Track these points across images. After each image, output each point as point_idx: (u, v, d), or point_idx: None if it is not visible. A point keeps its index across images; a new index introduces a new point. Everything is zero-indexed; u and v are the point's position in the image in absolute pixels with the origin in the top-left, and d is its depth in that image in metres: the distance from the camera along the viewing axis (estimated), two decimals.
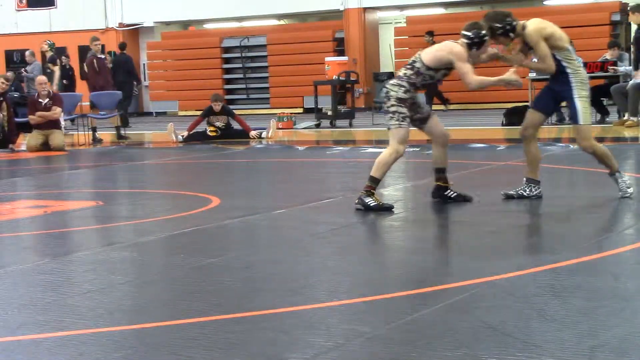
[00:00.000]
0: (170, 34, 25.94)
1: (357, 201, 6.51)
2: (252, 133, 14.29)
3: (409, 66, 6.53)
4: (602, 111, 14.99)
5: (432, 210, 6.65)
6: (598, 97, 15.00)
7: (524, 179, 6.80)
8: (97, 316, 3.84)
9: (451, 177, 6.85)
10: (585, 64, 14.68)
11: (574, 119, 6.92)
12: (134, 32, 26.56)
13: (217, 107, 14.34)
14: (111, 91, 16.37)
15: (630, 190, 6.64)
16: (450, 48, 6.48)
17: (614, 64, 14.50)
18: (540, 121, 7.04)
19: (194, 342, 3.40)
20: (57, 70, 17.74)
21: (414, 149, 11.49)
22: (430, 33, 21.01)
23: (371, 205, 6.41)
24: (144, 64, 26.71)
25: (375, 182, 6.50)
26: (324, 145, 13.70)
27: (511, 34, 6.53)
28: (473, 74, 6.44)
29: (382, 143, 13.34)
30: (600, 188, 7.60)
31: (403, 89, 6.47)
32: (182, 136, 14.48)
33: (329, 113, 17.41)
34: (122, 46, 21.60)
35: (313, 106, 18.08)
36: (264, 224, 6.36)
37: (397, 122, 6.53)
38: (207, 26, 26.08)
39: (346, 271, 4.65)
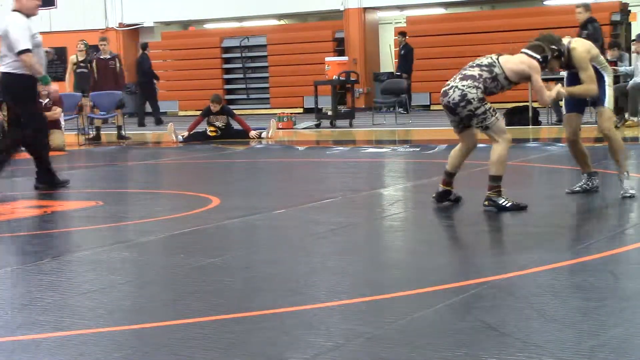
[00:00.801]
0: (170, 34, 25.94)
1: (486, 203, 6.26)
2: (252, 133, 14.29)
3: (485, 68, 6.30)
4: None
5: (432, 210, 6.65)
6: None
7: (585, 175, 7.08)
8: (97, 316, 3.84)
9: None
10: None
11: (601, 101, 7.03)
12: (134, 32, 26.56)
13: (215, 108, 14.33)
14: (111, 91, 16.38)
15: (632, 191, 6.65)
16: (530, 62, 6.41)
17: (614, 64, 14.49)
18: (579, 122, 7.26)
19: (194, 342, 3.40)
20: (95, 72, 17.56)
21: (414, 149, 11.49)
22: (403, 34, 21.05)
23: (507, 205, 6.19)
24: None
25: (498, 181, 6.28)
26: (324, 145, 13.70)
27: (562, 58, 6.68)
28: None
29: (383, 143, 13.35)
30: (600, 188, 7.60)
31: (480, 90, 6.26)
32: (182, 136, 14.48)
33: (329, 113, 17.42)
34: (144, 46, 21.59)
35: (313, 106, 18.08)
36: (264, 224, 6.36)
37: (492, 118, 6.34)
38: (207, 26, 26.09)
39: (346, 271, 4.65)
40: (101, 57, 16.26)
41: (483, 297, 3.90)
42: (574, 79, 6.91)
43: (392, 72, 23.31)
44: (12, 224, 6.80)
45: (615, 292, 3.93)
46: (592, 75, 6.76)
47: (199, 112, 15.62)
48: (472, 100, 6.22)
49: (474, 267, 4.55)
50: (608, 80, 6.98)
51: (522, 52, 6.53)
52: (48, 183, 8.66)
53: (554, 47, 6.58)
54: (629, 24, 21.61)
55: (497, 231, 5.61)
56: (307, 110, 21.85)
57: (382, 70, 23.85)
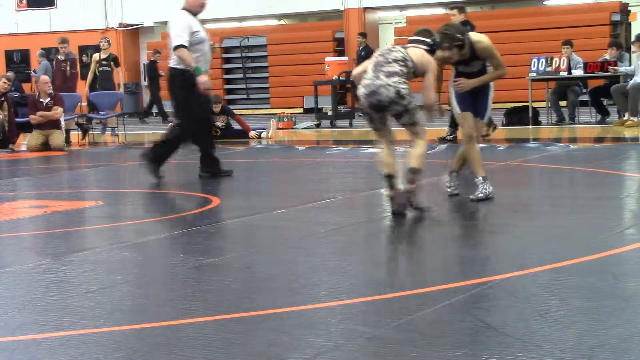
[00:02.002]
0: None
1: (409, 200, 6.24)
2: (252, 133, 14.29)
3: (402, 63, 6.26)
4: (602, 111, 14.99)
5: (432, 210, 6.65)
6: (598, 97, 15.02)
7: (453, 173, 7.15)
8: (97, 316, 3.84)
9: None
10: (586, 64, 14.71)
11: (481, 114, 7.04)
12: (134, 32, 26.57)
13: (215, 108, 14.34)
14: (110, 91, 16.42)
15: (481, 196, 6.79)
16: (430, 59, 6.39)
17: (614, 64, 14.50)
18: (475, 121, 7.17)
19: (194, 342, 3.40)
20: (119, 71, 17.44)
21: None
22: (363, 34, 21.03)
23: (419, 207, 6.22)
24: (144, 64, 26.70)
25: (419, 175, 6.26)
26: (324, 145, 13.70)
27: (463, 50, 6.68)
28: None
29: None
30: (600, 188, 7.60)
31: (407, 84, 6.24)
32: None
33: (329, 113, 17.42)
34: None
35: (313, 106, 18.09)
36: (264, 224, 6.36)
37: (419, 113, 6.32)
38: (207, 26, 26.04)
39: (346, 271, 4.65)
40: (58, 57, 16.27)
41: (483, 297, 3.90)
42: (465, 77, 6.94)
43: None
44: (12, 224, 6.80)
45: (615, 292, 3.92)
46: (501, 60, 6.86)
47: None
48: (405, 95, 6.18)
49: (474, 267, 4.55)
50: (491, 92, 7.06)
51: (412, 40, 6.52)
52: (212, 172, 8.99)
53: (459, 36, 6.61)
54: (629, 24, 21.62)
55: (497, 231, 5.61)
56: (307, 110, 21.86)
57: None
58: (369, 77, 6.22)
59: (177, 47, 8.75)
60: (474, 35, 6.85)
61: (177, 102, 9.06)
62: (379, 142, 6.50)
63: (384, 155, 6.41)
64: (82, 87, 17.32)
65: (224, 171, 9.09)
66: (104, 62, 17.05)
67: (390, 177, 6.32)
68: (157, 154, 9.11)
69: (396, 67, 6.22)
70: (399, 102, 6.16)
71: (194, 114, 8.88)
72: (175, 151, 9.24)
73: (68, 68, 16.08)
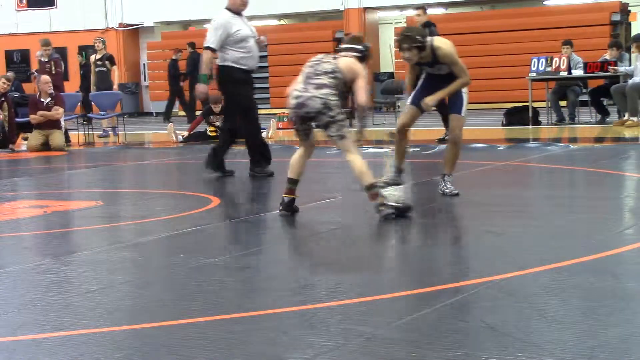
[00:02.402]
0: (170, 34, 25.94)
1: (381, 208, 6.18)
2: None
3: (331, 75, 6.29)
4: (602, 111, 14.99)
5: (432, 210, 6.65)
6: (598, 97, 15.01)
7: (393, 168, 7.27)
8: (97, 316, 3.84)
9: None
10: (586, 64, 14.71)
11: (457, 108, 7.17)
12: (134, 32, 26.56)
13: (216, 108, 14.34)
14: (110, 91, 16.41)
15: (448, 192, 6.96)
16: (359, 68, 6.43)
17: (614, 64, 14.50)
18: (417, 117, 7.41)
19: (194, 342, 3.40)
20: (116, 69, 17.36)
21: (414, 149, 11.49)
22: (348, 34, 21.04)
23: (400, 207, 6.20)
24: (144, 64, 26.72)
25: (375, 188, 6.28)
26: (324, 145, 13.69)
27: (422, 52, 6.80)
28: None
29: (383, 143, 13.35)
30: (600, 188, 7.60)
31: (337, 97, 6.28)
32: (182, 136, 14.48)
33: None
34: (192, 45, 21.50)
35: None
36: (263, 224, 6.36)
37: (347, 126, 6.38)
38: (207, 26, 26.09)
39: (346, 271, 4.65)
40: (42, 60, 16.24)
41: (483, 297, 3.90)
42: (432, 80, 7.06)
43: (392, 72, 23.31)
44: (12, 224, 6.79)
45: (615, 292, 3.92)
46: (464, 67, 7.02)
47: (199, 112, 15.63)
48: (333, 107, 6.22)
49: (474, 267, 4.55)
50: (465, 88, 7.17)
51: (343, 49, 6.60)
52: (261, 171, 9.08)
53: (419, 38, 6.75)
54: (629, 24, 21.61)
55: (497, 231, 5.61)
56: None
57: (382, 70, 23.85)
58: (299, 88, 6.31)
59: (206, 48, 8.97)
60: (437, 40, 6.93)
61: (226, 97, 9.36)
62: (299, 147, 6.57)
63: (294, 159, 6.53)
64: (71, 87, 17.29)
65: (269, 172, 9.14)
66: (99, 63, 17.03)
67: (293, 182, 6.46)
68: (219, 157, 9.23)
69: (325, 80, 6.28)
70: (326, 114, 6.21)
71: (244, 110, 9.15)
72: (230, 146, 9.45)
73: (53, 68, 16.07)
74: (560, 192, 7.52)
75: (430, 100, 6.95)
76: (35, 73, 18.19)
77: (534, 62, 15.12)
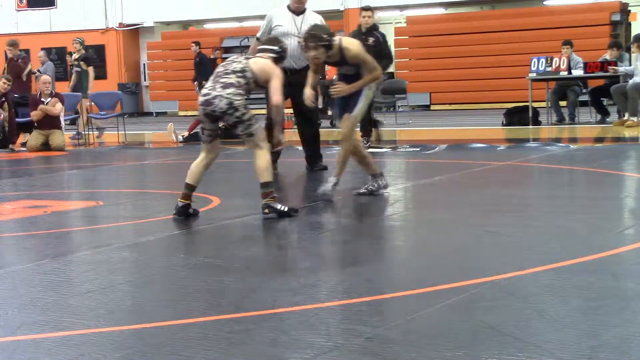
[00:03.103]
0: (170, 34, 25.95)
1: (266, 211, 6.31)
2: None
3: (240, 74, 6.35)
4: (602, 111, 15.00)
5: (432, 210, 6.66)
6: (598, 97, 15.02)
7: (370, 176, 7.30)
8: (97, 316, 3.84)
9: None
10: (586, 64, 14.71)
11: (351, 108, 7.18)
12: (134, 32, 26.57)
13: None
14: (110, 91, 16.40)
15: (327, 196, 7.04)
16: (274, 68, 6.50)
17: (614, 64, 14.50)
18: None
19: (194, 342, 3.40)
20: (91, 70, 17.32)
21: (414, 149, 11.50)
22: (197, 43, 21.02)
23: (285, 210, 6.31)
24: (144, 64, 26.72)
25: (271, 186, 6.37)
26: (324, 145, 13.68)
27: (329, 51, 6.88)
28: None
29: (382, 143, 13.35)
30: (600, 188, 7.60)
31: (244, 96, 6.34)
32: (183, 136, 14.48)
33: (329, 113, 17.41)
34: (198, 44, 21.45)
35: None
36: (264, 224, 6.36)
37: (256, 125, 6.40)
38: (207, 26, 26.09)
39: (346, 271, 4.65)
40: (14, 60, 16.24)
41: (483, 297, 3.90)
42: (346, 80, 7.15)
43: (392, 72, 23.31)
44: (12, 224, 6.79)
45: (615, 292, 3.92)
46: (374, 63, 7.05)
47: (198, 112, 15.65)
48: (239, 107, 6.27)
49: (474, 267, 4.55)
50: (368, 92, 7.18)
51: (259, 50, 6.72)
52: (317, 166, 9.45)
53: (325, 36, 6.84)
54: (629, 24, 21.63)
55: (497, 231, 5.61)
56: None
57: None
58: (208, 86, 6.40)
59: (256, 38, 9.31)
60: (345, 41, 7.02)
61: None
62: (201, 151, 6.60)
63: (194, 164, 6.56)
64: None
65: (323, 166, 9.51)
66: (75, 63, 17.02)
67: (189, 187, 6.49)
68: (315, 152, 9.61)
69: (233, 79, 6.34)
70: (232, 114, 6.27)
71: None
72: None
73: (28, 70, 16.09)
74: (560, 192, 7.52)
75: (345, 89, 7.05)
76: (37, 73, 18.17)
77: (534, 62, 15.12)
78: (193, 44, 21.05)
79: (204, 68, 20.39)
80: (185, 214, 6.43)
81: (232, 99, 6.24)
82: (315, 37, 6.84)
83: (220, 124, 6.57)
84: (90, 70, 16.99)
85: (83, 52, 17.22)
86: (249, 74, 6.38)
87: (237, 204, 7.35)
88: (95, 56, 18.61)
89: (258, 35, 9.29)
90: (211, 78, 6.48)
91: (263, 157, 6.36)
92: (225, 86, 6.30)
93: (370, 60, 7.05)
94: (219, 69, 6.54)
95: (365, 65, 7.01)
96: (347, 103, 7.17)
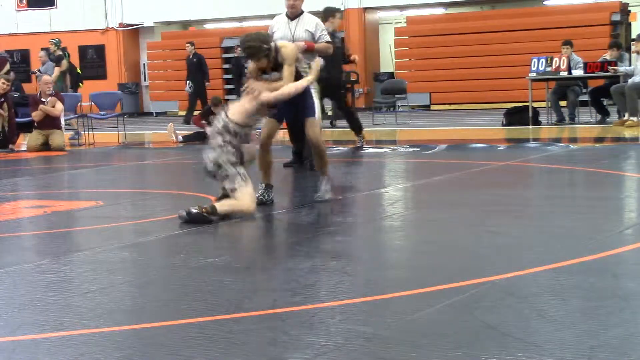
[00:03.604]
0: (170, 34, 25.95)
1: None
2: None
3: (222, 131, 6.46)
4: (602, 111, 14.99)
5: (432, 210, 6.65)
6: (598, 97, 15.02)
7: (263, 184, 7.06)
8: (97, 316, 3.84)
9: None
10: (586, 64, 14.71)
11: (310, 111, 7.07)
12: (134, 32, 26.57)
13: (217, 110, 14.34)
14: (111, 91, 16.40)
15: (328, 196, 6.99)
16: (249, 104, 6.57)
17: (614, 64, 14.50)
18: (276, 129, 7.45)
19: (194, 342, 3.40)
20: (57, 71, 17.34)
21: (414, 149, 11.50)
22: (192, 43, 20.95)
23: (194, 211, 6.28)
24: (144, 64, 26.72)
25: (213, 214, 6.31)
26: (329, 145, 13.68)
27: (270, 57, 6.73)
28: (268, 92, 6.58)
29: (382, 143, 13.36)
30: (600, 188, 7.60)
31: (231, 152, 6.43)
32: (180, 137, 14.46)
33: (329, 113, 17.41)
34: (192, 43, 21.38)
35: None
36: (264, 224, 6.36)
37: (243, 182, 6.44)
38: (207, 26, 26.09)
39: (346, 271, 4.65)
40: None
41: (483, 297, 3.90)
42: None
43: (392, 72, 23.32)
44: (12, 224, 6.79)
45: (615, 292, 3.92)
46: (293, 72, 6.80)
47: (198, 112, 15.65)
48: (222, 164, 6.41)
49: (474, 267, 4.55)
50: (313, 91, 7.09)
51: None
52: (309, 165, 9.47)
53: (265, 45, 6.68)
54: (629, 24, 21.62)
55: (497, 231, 5.61)
56: None
57: (382, 70, 23.85)
58: (205, 150, 6.55)
59: None
60: (280, 42, 6.98)
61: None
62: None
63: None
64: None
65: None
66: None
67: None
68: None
69: (218, 140, 6.48)
70: (222, 170, 6.43)
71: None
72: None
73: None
74: (560, 192, 7.52)
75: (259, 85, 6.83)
76: (38, 72, 18.19)
77: (534, 62, 15.12)
78: (188, 44, 20.95)
79: (201, 68, 20.33)
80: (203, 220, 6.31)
81: (218, 159, 6.43)
82: (259, 49, 6.65)
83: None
84: (57, 70, 16.94)
85: (59, 52, 17.17)
86: (231, 125, 6.48)
87: None
88: (64, 57, 18.38)
89: None
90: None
91: (233, 205, 6.38)
92: (213, 149, 6.47)
93: (292, 65, 6.87)
94: (212, 129, 6.61)
95: (299, 63, 6.91)
96: (299, 108, 7.04)
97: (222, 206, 6.34)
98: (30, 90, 19.49)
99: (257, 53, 6.64)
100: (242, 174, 6.46)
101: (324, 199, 6.97)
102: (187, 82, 20.28)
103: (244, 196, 6.39)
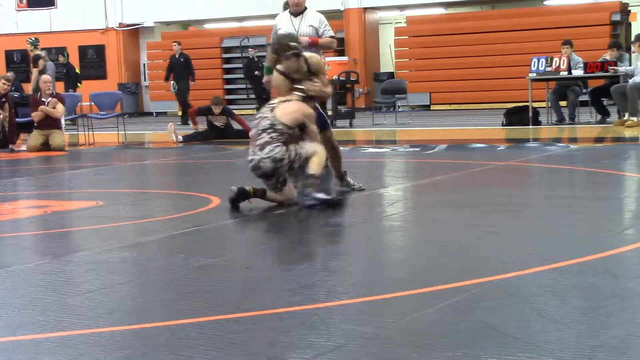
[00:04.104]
0: (170, 34, 25.95)
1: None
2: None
3: (270, 130, 6.59)
4: (602, 111, 14.99)
5: (432, 210, 6.65)
6: (598, 97, 15.02)
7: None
8: (97, 316, 3.84)
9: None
10: (586, 64, 14.71)
11: (323, 125, 7.34)
12: (134, 32, 26.57)
13: (217, 110, 14.37)
14: (111, 91, 16.39)
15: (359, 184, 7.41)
16: (300, 107, 6.73)
17: (614, 64, 14.49)
18: None
19: (194, 342, 3.40)
20: (35, 72, 17.16)
21: (414, 149, 11.50)
22: (178, 42, 20.90)
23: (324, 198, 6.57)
24: (144, 64, 26.72)
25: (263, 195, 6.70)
26: None
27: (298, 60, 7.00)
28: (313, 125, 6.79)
29: (382, 143, 13.36)
30: (600, 188, 7.61)
31: (282, 144, 6.58)
32: (180, 137, 14.47)
33: (329, 113, 17.42)
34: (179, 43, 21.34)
35: None
36: (264, 224, 6.36)
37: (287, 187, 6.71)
38: (207, 26, 26.10)
39: (346, 271, 4.65)
40: None
41: (483, 297, 3.90)
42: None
43: (392, 72, 23.32)
44: (12, 224, 6.79)
45: (615, 292, 3.92)
46: (325, 80, 7.20)
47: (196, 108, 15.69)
48: (282, 157, 6.55)
49: (474, 267, 4.55)
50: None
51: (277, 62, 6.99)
52: None
53: (295, 44, 7.00)
54: (629, 24, 21.63)
55: (497, 231, 5.61)
56: None
57: (382, 70, 23.86)
58: (250, 151, 6.71)
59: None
60: (305, 53, 7.12)
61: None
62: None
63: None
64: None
65: None
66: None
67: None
68: None
69: (266, 138, 6.59)
70: (282, 167, 6.56)
71: None
72: None
73: None
74: (560, 192, 7.52)
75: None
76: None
77: (534, 62, 15.12)
78: (175, 43, 20.85)
79: (188, 68, 20.22)
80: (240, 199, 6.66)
81: (273, 155, 6.52)
82: (285, 46, 6.91)
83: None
84: (35, 71, 16.85)
85: (37, 52, 17.06)
86: (279, 126, 6.60)
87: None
88: (40, 57, 18.23)
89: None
90: (250, 142, 6.75)
91: (283, 195, 6.67)
92: (262, 147, 6.56)
93: (324, 72, 7.25)
94: (252, 131, 6.77)
95: (321, 77, 7.11)
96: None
97: (272, 194, 6.65)
98: (30, 91, 19.48)
99: (286, 49, 6.88)
100: (300, 153, 6.60)
101: (339, 195, 7.03)
102: (172, 82, 20.21)
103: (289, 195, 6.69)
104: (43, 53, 19.34)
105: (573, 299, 3.85)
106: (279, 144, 6.54)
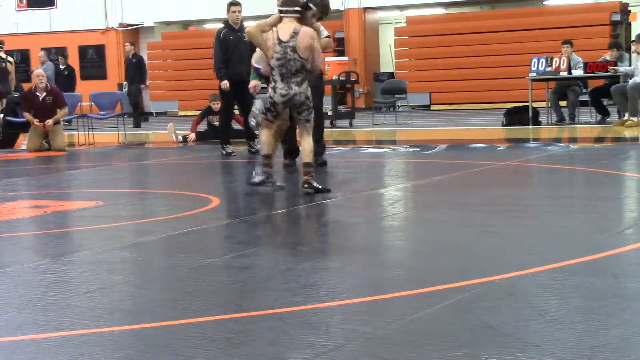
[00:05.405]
0: (170, 34, 25.94)
1: (305, 186, 7.31)
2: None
3: (303, 69, 7.49)
4: (602, 111, 14.99)
5: (432, 210, 6.65)
6: (598, 97, 15.01)
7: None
8: (97, 316, 3.84)
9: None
10: (586, 64, 14.71)
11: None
12: (134, 32, 26.56)
13: (216, 106, 14.32)
14: (111, 91, 16.37)
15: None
16: (309, 33, 7.59)
17: (614, 64, 14.49)
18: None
19: (194, 342, 3.40)
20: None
21: (414, 149, 11.50)
22: (132, 43, 20.86)
23: (320, 187, 7.35)
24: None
25: (311, 167, 7.49)
26: (329, 145, 13.67)
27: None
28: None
29: (382, 143, 13.36)
30: (600, 188, 7.61)
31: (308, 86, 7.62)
32: (186, 136, 14.43)
33: (329, 113, 17.42)
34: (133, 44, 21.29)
35: None
36: (264, 224, 6.36)
37: (312, 113, 7.68)
38: (207, 26, 26.08)
39: (346, 271, 4.65)
40: None
41: (483, 297, 3.90)
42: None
43: (392, 72, 23.31)
44: (12, 224, 6.80)
45: (615, 292, 3.93)
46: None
47: (198, 112, 15.62)
48: (310, 98, 7.59)
49: (474, 267, 4.55)
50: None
51: (280, 12, 7.64)
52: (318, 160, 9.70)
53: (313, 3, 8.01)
54: (629, 24, 21.61)
55: (497, 231, 5.61)
56: None
57: (382, 70, 23.85)
58: (280, 86, 7.49)
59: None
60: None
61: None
62: (266, 129, 7.79)
63: (267, 138, 7.78)
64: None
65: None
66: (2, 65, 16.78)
67: (268, 157, 7.74)
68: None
69: (302, 76, 7.52)
70: (305, 103, 7.52)
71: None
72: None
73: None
74: (560, 192, 7.52)
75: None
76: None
77: (534, 62, 15.11)
78: (127, 44, 20.70)
79: (140, 70, 20.12)
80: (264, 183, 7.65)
81: (307, 93, 7.51)
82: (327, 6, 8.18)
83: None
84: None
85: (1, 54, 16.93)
86: (308, 65, 7.47)
87: (237, 204, 7.34)
88: (5, 60, 18.05)
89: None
90: (277, 77, 7.48)
91: (309, 141, 7.56)
92: (299, 84, 7.47)
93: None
94: (282, 70, 7.47)
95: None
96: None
97: (308, 158, 7.49)
98: None
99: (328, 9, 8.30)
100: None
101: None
102: (124, 83, 20.08)
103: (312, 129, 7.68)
104: (42, 53, 19.31)
105: (573, 299, 3.85)
106: (308, 85, 7.53)
